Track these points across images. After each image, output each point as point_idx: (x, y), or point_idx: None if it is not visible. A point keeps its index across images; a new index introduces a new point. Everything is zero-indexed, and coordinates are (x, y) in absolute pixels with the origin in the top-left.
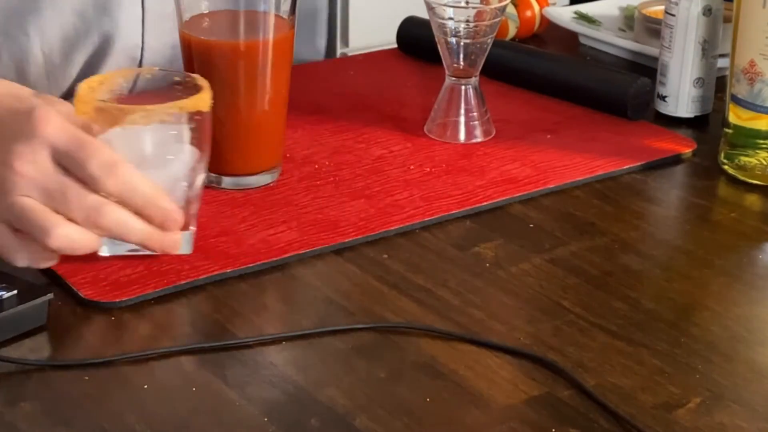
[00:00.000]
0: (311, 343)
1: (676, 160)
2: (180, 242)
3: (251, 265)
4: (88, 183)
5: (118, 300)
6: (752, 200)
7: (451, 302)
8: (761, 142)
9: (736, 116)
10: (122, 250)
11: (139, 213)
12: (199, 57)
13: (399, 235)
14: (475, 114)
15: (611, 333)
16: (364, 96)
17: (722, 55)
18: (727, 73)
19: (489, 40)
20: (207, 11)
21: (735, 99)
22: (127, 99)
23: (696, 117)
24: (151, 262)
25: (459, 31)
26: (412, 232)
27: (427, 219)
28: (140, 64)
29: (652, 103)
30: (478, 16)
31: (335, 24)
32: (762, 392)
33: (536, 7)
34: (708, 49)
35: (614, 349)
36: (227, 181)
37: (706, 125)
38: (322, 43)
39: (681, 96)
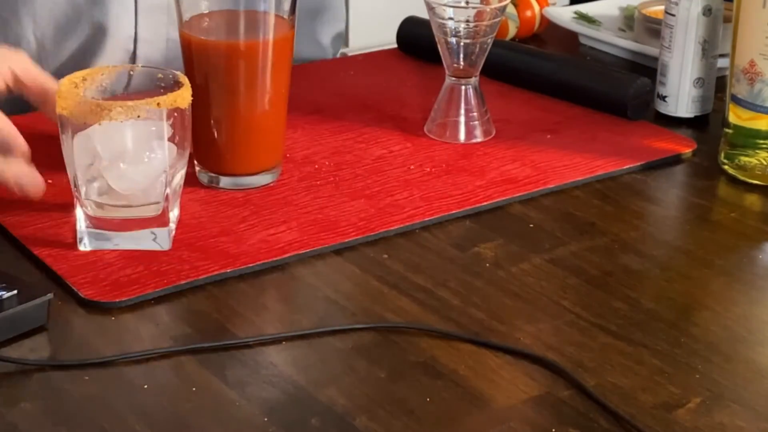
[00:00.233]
0: (311, 343)
1: (676, 160)
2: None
3: (251, 265)
4: None
5: (118, 300)
6: (752, 200)
7: (451, 302)
8: (761, 142)
9: (736, 116)
10: (106, 245)
11: None
12: (199, 57)
13: (399, 235)
14: (475, 114)
15: (611, 333)
16: (364, 96)
17: (722, 55)
18: (727, 73)
19: (489, 40)
20: (207, 11)
21: (735, 99)
22: (113, 97)
23: (696, 117)
24: (151, 262)
25: (459, 31)
26: (412, 232)
27: (427, 219)
28: (134, 57)
29: (652, 103)
30: (478, 16)
31: None
32: (762, 392)
33: (536, 7)
34: (708, 49)
35: (614, 349)
36: (227, 181)
37: (706, 125)
38: (333, 33)
39: (681, 96)
